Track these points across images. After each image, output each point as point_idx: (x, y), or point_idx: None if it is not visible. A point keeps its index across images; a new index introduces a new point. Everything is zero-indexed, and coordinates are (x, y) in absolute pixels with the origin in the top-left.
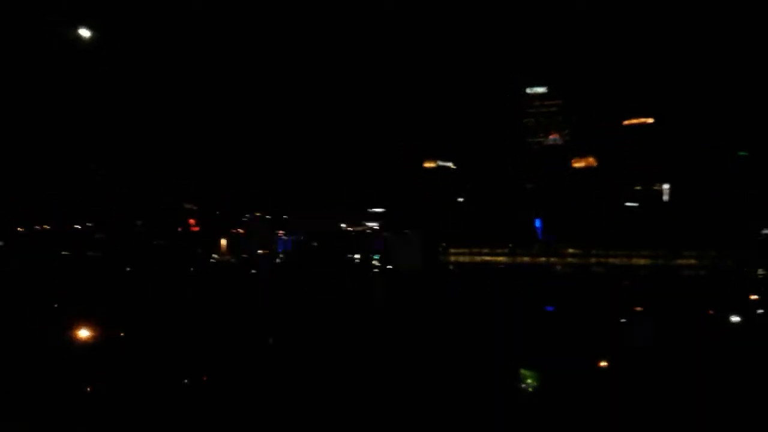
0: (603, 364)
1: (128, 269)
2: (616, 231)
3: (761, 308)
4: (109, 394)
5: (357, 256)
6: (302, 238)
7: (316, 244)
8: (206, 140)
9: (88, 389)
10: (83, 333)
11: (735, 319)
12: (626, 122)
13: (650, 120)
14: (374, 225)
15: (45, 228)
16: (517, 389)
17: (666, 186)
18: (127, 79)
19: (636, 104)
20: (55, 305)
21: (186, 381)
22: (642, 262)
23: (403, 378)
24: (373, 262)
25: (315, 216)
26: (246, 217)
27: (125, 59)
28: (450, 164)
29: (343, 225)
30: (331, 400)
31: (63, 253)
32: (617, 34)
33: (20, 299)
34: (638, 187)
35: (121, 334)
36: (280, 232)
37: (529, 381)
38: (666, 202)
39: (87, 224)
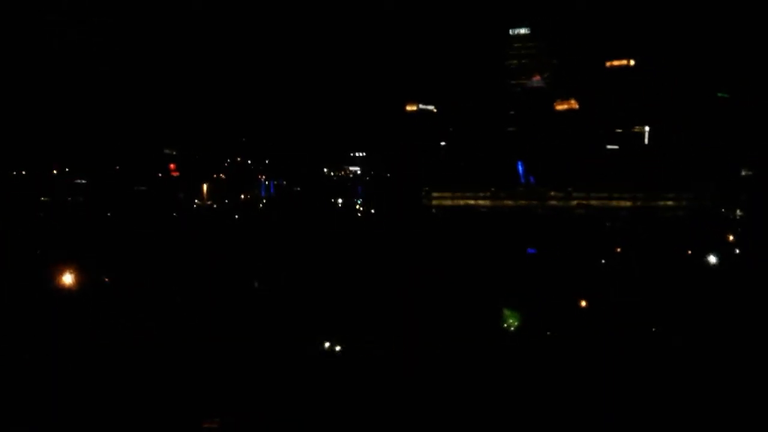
0: (584, 304)
1: (109, 215)
2: (597, 173)
3: (738, 248)
4: (94, 341)
5: (340, 200)
6: (284, 182)
7: (298, 188)
8: (186, 84)
9: (73, 336)
10: (66, 279)
11: (713, 259)
12: (608, 64)
13: (632, 62)
14: (356, 169)
15: (24, 174)
16: (499, 330)
17: (646, 128)
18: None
19: (618, 45)
20: (38, 251)
21: (171, 326)
22: (622, 203)
23: (388, 323)
24: (357, 206)
25: (297, 160)
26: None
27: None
28: (432, 107)
29: (325, 169)
30: (316, 341)
31: (42, 199)
32: None
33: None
34: (619, 130)
35: (105, 280)
36: (262, 176)
37: (511, 321)
38: (646, 145)
39: (66, 170)
